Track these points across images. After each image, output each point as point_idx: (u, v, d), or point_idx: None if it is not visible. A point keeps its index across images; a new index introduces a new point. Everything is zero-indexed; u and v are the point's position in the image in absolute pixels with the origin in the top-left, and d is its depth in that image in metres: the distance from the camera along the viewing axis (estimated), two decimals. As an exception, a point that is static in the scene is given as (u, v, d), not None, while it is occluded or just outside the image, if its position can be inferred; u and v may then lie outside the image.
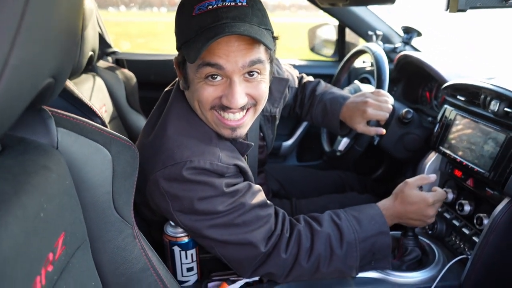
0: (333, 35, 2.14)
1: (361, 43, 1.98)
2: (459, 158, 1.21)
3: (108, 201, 0.71)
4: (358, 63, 2.03)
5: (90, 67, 1.42)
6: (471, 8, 0.99)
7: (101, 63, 1.59)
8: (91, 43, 1.30)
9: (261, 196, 1.01)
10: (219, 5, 0.86)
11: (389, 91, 1.76)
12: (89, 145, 0.67)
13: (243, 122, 0.97)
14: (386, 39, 1.91)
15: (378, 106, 1.33)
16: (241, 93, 0.91)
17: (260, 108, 1.00)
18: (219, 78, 0.90)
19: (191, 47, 0.87)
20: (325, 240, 1.01)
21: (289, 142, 2.12)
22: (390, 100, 1.36)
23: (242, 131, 0.99)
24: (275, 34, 0.96)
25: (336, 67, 1.84)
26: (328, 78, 1.87)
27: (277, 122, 1.34)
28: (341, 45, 2.09)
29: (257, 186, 1.03)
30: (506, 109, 1.07)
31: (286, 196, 1.60)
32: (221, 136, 0.99)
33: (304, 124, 2.12)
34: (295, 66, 2.11)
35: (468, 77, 1.31)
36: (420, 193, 1.11)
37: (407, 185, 1.12)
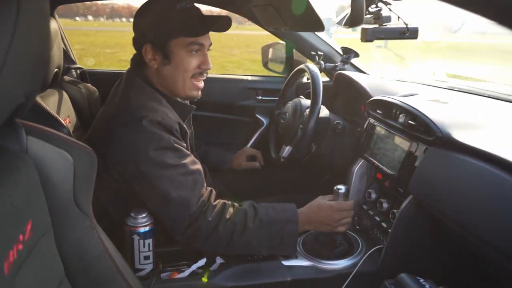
0: (283, 53, 2.32)
1: (309, 61, 2.17)
2: (376, 163, 1.42)
3: (70, 198, 0.85)
4: (305, 79, 2.22)
5: (55, 82, 1.55)
6: (377, 39, 1.21)
7: (66, 78, 1.71)
8: (57, 60, 1.43)
9: (199, 166, 1.26)
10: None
11: (330, 105, 1.97)
12: (54, 151, 0.81)
13: (202, 85, 1.39)
14: (328, 58, 2.10)
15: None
16: None
17: None
18: (198, 51, 1.31)
19: (194, 27, 1.25)
20: (242, 214, 1.22)
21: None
22: None
23: (200, 92, 1.40)
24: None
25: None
26: (279, 92, 2.04)
27: (191, 120, 1.58)
28: (289, 63, 2.28)
29: (195, 160, 1.28)
30: (409, 121, 1.29)
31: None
32: (168, 101, 1.32)
33: (259, 131, 2.28)
34: (249, 81, 2.30)
35: (388, 94, 1.53)
36: (329, 202, 1.32)
37: (320, 196, 1.35)
